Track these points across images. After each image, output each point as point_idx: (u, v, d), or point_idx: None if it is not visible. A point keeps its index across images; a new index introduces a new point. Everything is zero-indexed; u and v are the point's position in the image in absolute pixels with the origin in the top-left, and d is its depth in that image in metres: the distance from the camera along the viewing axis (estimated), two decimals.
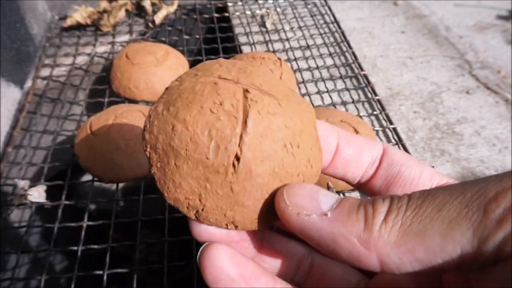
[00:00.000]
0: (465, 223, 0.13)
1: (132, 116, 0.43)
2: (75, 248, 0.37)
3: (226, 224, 0.17)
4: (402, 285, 0.19)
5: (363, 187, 0.21)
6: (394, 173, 0.20)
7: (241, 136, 0.16)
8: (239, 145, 0.16)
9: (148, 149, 0.18)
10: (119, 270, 0.37)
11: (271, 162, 0.17)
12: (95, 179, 0.42)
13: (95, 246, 0.38)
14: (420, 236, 0.14)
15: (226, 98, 0.17)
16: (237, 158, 0.16)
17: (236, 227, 0.18)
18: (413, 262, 0.14)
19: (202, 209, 0.17)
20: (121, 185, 0.44)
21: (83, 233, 0.38)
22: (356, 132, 0.41)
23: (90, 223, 0.39)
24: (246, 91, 0.17)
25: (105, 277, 0.36)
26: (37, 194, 0.41)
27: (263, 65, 0.49)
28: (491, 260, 0.13)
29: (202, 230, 0.18)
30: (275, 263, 0.21)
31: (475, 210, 0.13)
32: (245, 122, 0.16)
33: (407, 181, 0.19)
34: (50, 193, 0.42)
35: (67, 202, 0.41)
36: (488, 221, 0.13)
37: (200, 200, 0.17)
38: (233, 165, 0.16)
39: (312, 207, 0.16)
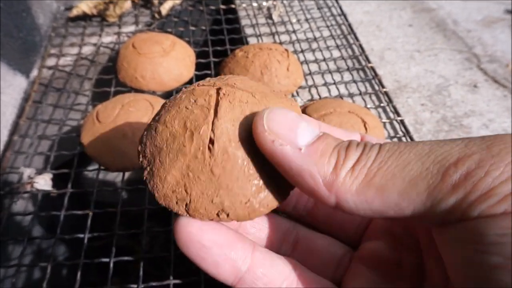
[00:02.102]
0: (422, 184, 0.14)
1: (139, 105, 0.43)
2: (82, 235, 0.37)
3: (217, 214, 0.17)
4: (385, 256, 0.19)
5: None
6: None
7: (213, 122, 0.17)
8: (211, 130, 0.17)
9: (141, 159, 0.19)
10: (126, 258, 0.37)
11: (248, 144, 0.17)
12: (102, 167, 0.42)
13: (101, 234, 0.38)
14: (380, 190, 0.15)
15: (200, 96, 0.18)
16: (212, 141, 0.17)
17: (227, 215, 0.17)
18: (367, 210, 0.15)
19: (190, 200, 0.17)
20: (126, 175, 0.44)
21: (89, 220, 0.38)
22: (364, 123, 0.41)
23: (97, 211, 0.39)
24: (219, 89, 0.18)
25: (111, 265, 0.36)
26: (44, 182, 0.41)
27: (270, 56, 0.49)
28: (442, 220, 0.14)
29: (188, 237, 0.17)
30: (260, 235, 0.21)
31: (434, 173, 0.14)
32: (215, 111, 0.18)
33: None
34: (56, 182, 0.42)
35: (73, 190, 0.41)
36: (444, 186, 0.14)
37: (186, 191, 0.17)
38: (209, 148, 0.17)
39: (288, 138, 0.16)
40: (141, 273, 0.35)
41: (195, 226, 0.17)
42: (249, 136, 0.17)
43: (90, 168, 0.44)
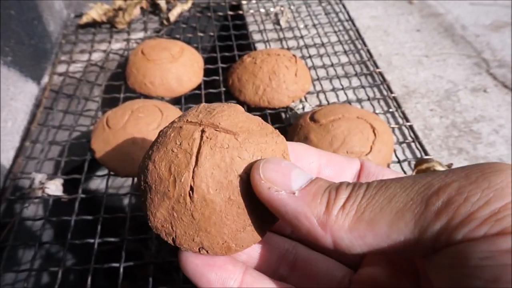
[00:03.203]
0: (408, 214, 0.15)
1: (148, 111, 0.43)
2: (92, 240, 0.37)
3: (199, 249, 0.19)
4: (384, 281, 0.20)
5: None
6: None
7: (194, 170, 0.18)
8: (192, 178, 0.18)
9: (138, 186, 0.21)
10: (136, 263, 0.37)
11: (226, 190, 0.19)
12: (111, 173, 0.43)
13: (111, 239, 0.38)
14: (370, 224, 0.16)
15: (185, 138, 0.19)
16: (192, 189, 0.18)
17: (207, 252, 0.20)
18: (362, 245, 0.16)
19: (175, 236, 0.19)
20: (135, 180, 0.45)
21: (99, 226, 0.39)
22: (373, 128, 0.41)
23: (107, 216, 0.39)
24: (203, 131, 0.19)
25: (121, 270, 0.36)
26: (55, 188, 0.42)
27: (278, 61, 0.49)
28: (431, 247, 0.15)
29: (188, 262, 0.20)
30: (255, 255, 0.22)
31: (418, 203, 0.15)
32: (197, 157, 0.19)
33: None
34: (67, 187, 0.43)
35: (83, 196, 0.41)
36: (428, 213, 0.15)
37: (172, 228, 0.19)
38: (189, 195, 0.18)
39: (282, 184, 0.17)
40: (150, 278, 0.36)
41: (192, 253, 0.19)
42: (227, 183, 0.19)
43: (100, 173, 0.45)
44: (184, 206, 0.19)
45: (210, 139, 0.19)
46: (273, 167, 0.18)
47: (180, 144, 0.19)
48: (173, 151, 0.19)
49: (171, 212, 0.19)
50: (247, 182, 0.19)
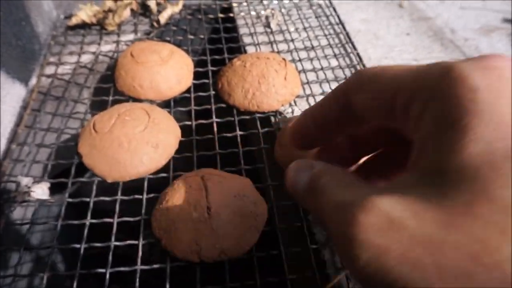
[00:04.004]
0: None
1: (135, 114, 0.43)
2: (78, 245, 0.37)
3: (218, 255, 0.29)
4: None
5: None
6: None
7: (207, 196, 0.31)
8: (207, 201, 0.31)
9: (157, 231, 0.32)
10: (122, 269, 0.36)
11: (230, 207, 0.31)
12: (98, 177, 0.42)
13: (98, 244, 0.38)
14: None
15: (193, 183, 0.32)
16: (209, 208, 0.30)
17: (226, 254, 0.29)
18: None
19: (201, 250, 0.29)
20: (123, 184, 0.44)
21: (86, 230, 0.38)
22: None
23: (93, 221, 0.39)
24: (202, 177, 0.32)
25: (107, 276, 0.36)
26: (41, 191, 0.41)
27: (268, 65, 0.49)
28: None
29: None
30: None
31: None
32: (206, 190, 0.31)
33: None
34: (54, 191, 0.42)
35: (70, 200, 0.41)
36: None
37: (197, 244, 0.29)
38: (207, 212, 0.30)
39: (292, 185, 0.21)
40: (137, 284, 0.35)
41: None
42: (227, 201, 0.31)
43: (87, 177, 0.44)
44: (205, 221, 0.29)
45: (209, 179, 0.32)
46: (289, 174, 0.22)
47: (190, 186, 0.31)
48: (187, 192, 0.31)
49: (196, 232, 0.28)
50: (238, 200, 0.31)
